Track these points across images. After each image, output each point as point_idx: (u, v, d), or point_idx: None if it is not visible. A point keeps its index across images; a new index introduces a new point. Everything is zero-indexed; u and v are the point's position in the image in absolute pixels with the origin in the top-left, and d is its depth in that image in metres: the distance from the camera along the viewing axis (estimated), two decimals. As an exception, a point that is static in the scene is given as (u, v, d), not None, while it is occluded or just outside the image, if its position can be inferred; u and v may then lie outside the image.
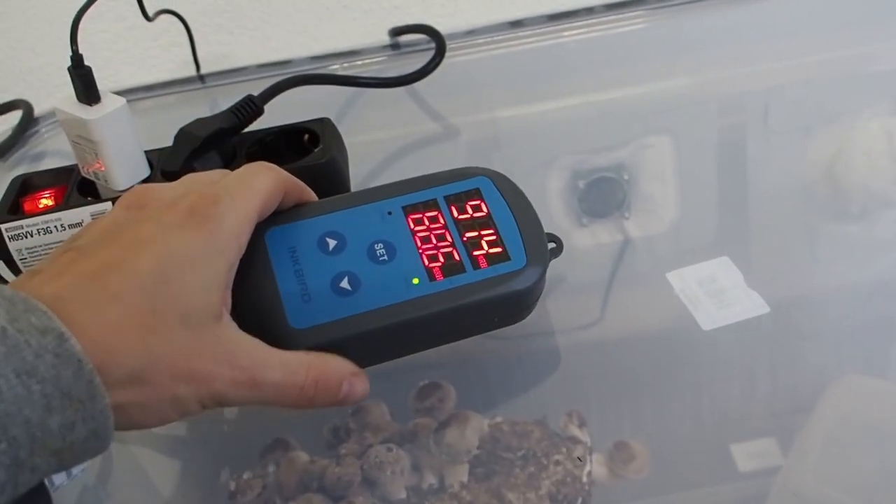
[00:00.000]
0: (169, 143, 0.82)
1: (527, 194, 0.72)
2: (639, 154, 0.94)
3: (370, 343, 0.65)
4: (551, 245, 0.75)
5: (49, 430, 0.47)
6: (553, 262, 0.74)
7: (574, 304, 0.78)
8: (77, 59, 0.76)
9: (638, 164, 0.93)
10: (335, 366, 0.62)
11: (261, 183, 0.64)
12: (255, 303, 0.64)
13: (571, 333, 0.76)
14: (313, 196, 0.70)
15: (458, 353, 0.72)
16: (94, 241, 0.57)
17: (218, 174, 0.65)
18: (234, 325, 0.59)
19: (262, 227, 0.67)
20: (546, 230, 0.70)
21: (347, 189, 0.83)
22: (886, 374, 0.71)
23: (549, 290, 0.76)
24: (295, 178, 0.68)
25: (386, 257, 0.67)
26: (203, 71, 1.12)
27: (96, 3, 0.75)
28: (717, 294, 0.74)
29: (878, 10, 1.11)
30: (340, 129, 0.86)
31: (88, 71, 0.76)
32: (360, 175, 0.88)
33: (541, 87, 1.08)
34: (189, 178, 0.65)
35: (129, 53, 1.14)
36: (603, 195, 0.90)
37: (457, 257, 0.67)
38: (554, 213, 0.88)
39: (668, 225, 0.86)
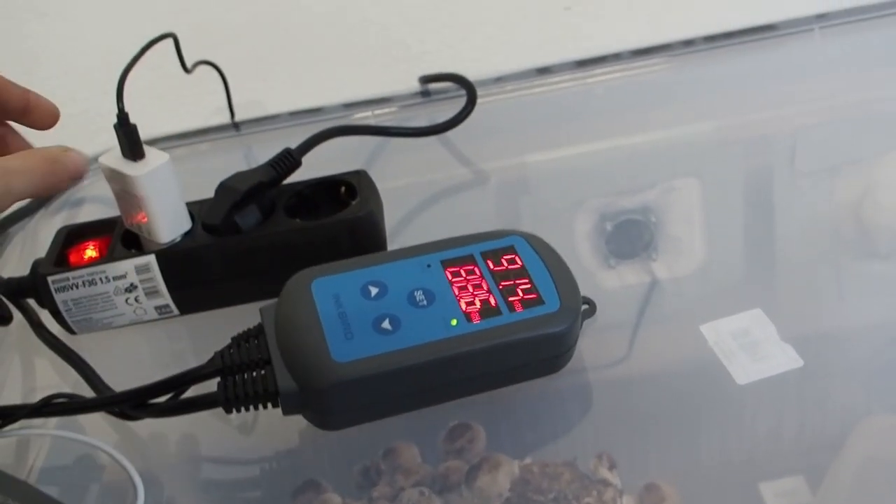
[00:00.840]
0: (204, 191, 0.83)
1: (556, 236, 0.75)
2: (665, 197, 0.94)
3: (410, 381, 0.66)
4: (585, 306, 0.76)
5: None
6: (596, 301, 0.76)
7: (603, 345, 0.77)
8: (123, 116, 0.76)
9: (665, 206, 0.93)
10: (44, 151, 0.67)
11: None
12: (300, 341, 0.67)
13: (600, 373, 0.76)
14: (45, 107, 0.75)
15: (488, 393, 0.71)
16: None
17: None
18: None
19: (306, 278, 0.71)
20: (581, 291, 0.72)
21: (384, 240, 0.84)
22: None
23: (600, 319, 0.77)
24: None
25: (425, 302, 0.69)
26: (237, 118, 1.13)
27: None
28: (751, 347, 0.74)
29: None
30: (372, 175, 0.87)
31: (134, 128, 0.77)
32: (391, 221, 0.87)
33: (569, 132, 1.08)
34: None
35: (164, 101, 1.15)
36: (630, 237, 0.90)
37: (493, 302, 0.69)
38: (581, 256, 0.88)
39: (695, 267, 0.86)
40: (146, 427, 0.75)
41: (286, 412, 0.68)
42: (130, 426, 0.75)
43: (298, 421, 0.70)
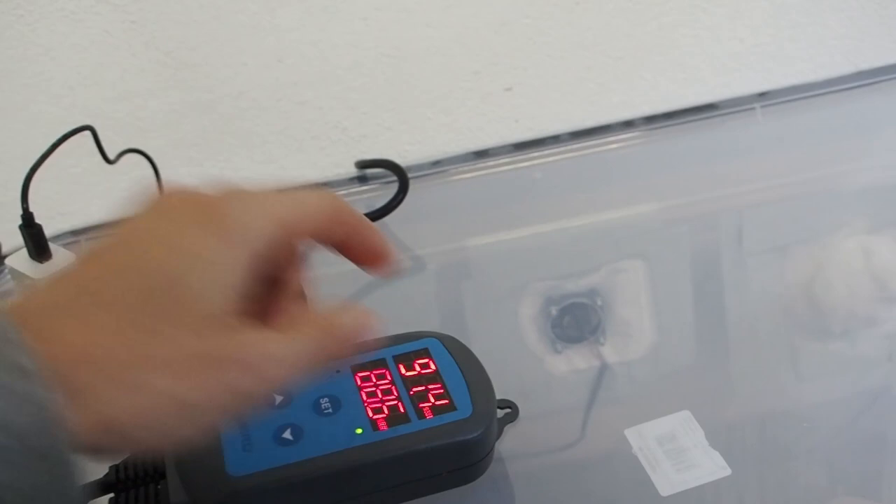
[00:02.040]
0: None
1: (500, 321, 0.76)
2: (611, 279, 0.92)
3: (310, 494, 0.63)
4: (507, 410, 0.74)
5: (13, 487, 0.40)
6: (530, 393, 0.75)
7: (529, 446, 0.75)
8: (28, 217, 0.75)
9: (611, 288, 0.91)
10: (341, 329, 0.52)
11: (305, 198, 0.54)
12: (195, 453, 0.63)
13: (521, 480, 0.73)
14: (373, 231, 0.58)
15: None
16: (115, 239, 0.50)
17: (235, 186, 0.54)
18: (246, 329, 0.49)
19: None
20: (497, 366, 0.71)
21: None
22: (880, 495, 0.68)
23: (525, 419, 0.75)
24: (353, 212, 0.57)
25: (331, 410, 0.66)
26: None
27: (65, 142, 0.76)
28: (676, 454, 0.71)
29: (848, 128, 1.10)
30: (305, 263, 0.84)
31: (39, 229, 0.75)
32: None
33: (509, 215, 1.06)
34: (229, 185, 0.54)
35: (99, 188, 1.13)
36: (577, 321, 0.88)
37: (402, 409, 0.66)
38: (528, 340, 0.86)
39: (645, 350, 0.84)
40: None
41: None
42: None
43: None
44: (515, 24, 1.08)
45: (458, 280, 0.98)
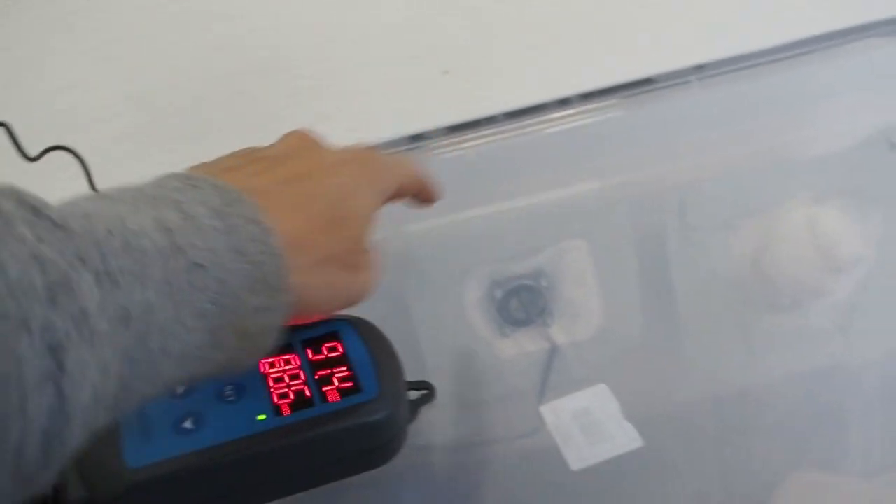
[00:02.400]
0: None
1: (445, 307, 0.78)
2: (555, 260, 0.91)
3: (211, 483, 0.63)
4: (424, 391, 0.74)
5: (247, 308, 0.52)
6: (479, 375, 0.77)
7: (510, 413, 0.76)
8: None
9: (556, 269, 0.90)
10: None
11: (406, 167, 0.72)
12: (93, 446, 0.58)
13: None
14: (438, 189, 0.76)
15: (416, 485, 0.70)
16: (280, 154, 0.64)
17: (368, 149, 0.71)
18: (372, 248, 0.64)
19: None
20: (446, 349, 0.75)
21: None
22: (840, 465, 0.68)
23: (478, 402, 0.76)
24: (432, 180, 0.75)
25: (234, 397, 0.65)
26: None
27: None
28: (590, 428, 0.72)
29: (788, 99, 1.09)
30: None
31: None
32: None
33: (446, 199, 1.04)
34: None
35: (31, 187, 1.11)
36: (523, 303, 0.87)
37: (307, 393, 0.65)
38: (475, 325, 0.85)
39: (593, 330, 0.83)
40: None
41: None
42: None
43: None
44: (456, 5, 1.07)
45: (400, 267, 0.97)
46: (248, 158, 0.64)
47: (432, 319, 0.86)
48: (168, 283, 0.48)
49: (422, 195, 0.74)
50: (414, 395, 0.72)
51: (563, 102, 1.12)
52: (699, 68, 1.11)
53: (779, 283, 0.85)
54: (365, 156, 0.67)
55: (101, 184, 0.97)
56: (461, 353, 0.79)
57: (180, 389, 0.65)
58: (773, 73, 1.11)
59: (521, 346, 0.83)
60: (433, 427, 0.75)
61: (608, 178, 1.03)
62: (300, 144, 0.66)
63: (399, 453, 0.67)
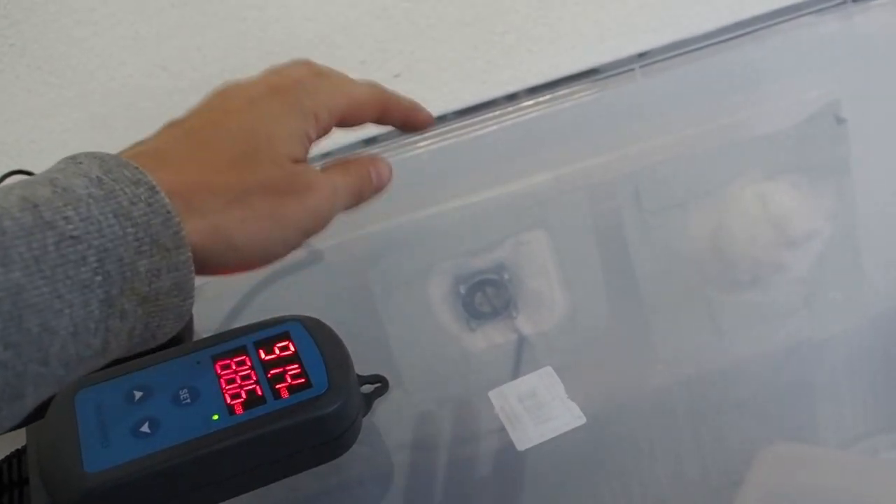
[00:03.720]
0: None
1: (410, 305, 0.79)
2: (515, 252, 0.91)
3: (169, 484, 0.63)
4: (377, 384, 0.74)
5: (138, 272, 0.51)
6: (446, 370, 0.78)
7: (477, 417, 0.75)
8: None
9: (516, 261, 0.90)
10: (356, 168, 0.68)
11: (351, 86, 0.68)
12: (53, 454, 0.63)
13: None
14: (422, 113, 0.74)
15: (373, 477, 0.71)
16: (189, 114, 0.63)
17: (311, 68, 0.69)
18: (311, 169, 0.63)
19: (71, 391, 0.67)
20: (413, 346, 0.76)
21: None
22: (813, 438, 0.68)
23: (447, 399, 0.76)
24: (400, 98, 0.72)
25: (189, 400, 0.66)
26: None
27: None
28: (535, 409, 0.72)
29: (732, 80, 1.10)
30: None
31: None
32: (225, 309, 0.87)
33: (402, 199, 1.04)
34: (280, 66, 0.69)
35: None
36: (487, 297, 0.87)
37: (259, 392, 0.66)
38: (441, 321, 0.85)
39: (559, 319, 0.83)
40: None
41: None
42: None
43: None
44: (395, 8, 1.06)
45: (362, 268, 0.96)
46: (165, 126, 0.63)
47: (398, 318, 0.85)
48: (36, 260, 0.47)
49: (397, 119, 0.72)
50: (368, 388, 0.72)
51: (511, 97, 1.12)
52: (642, 55, 1.11)
53: (737, 261, 0.85)
54: (289, 84, 0.65)
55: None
56: (430, 349, 0.78)
57: (137, 395, 0.66)
58: (716, 54, 1.11)
59: (489, 339, 0.82)
60: (407, 425, 0.74)
61: (561, 168, 1.03)
62: (209, 101, 0.65)
63: (353, 445, 0.68)
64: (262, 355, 0.69)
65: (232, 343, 0.70)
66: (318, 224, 0.62)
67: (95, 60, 1.04)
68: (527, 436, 0.70)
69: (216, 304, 0.86)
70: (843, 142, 0.97)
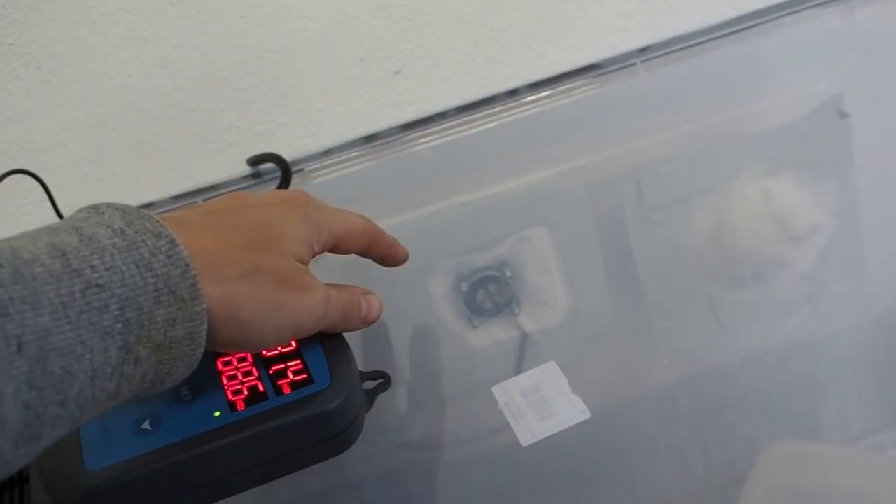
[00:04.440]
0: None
1: (411, 302, 0.80)
2: (517, 249, 0.90)
3: (171, 480, 0.62)
4: (379, 381, 0.74)
5: (155, 321, 0.52)
6: (449, 367, 0.78)
7: (481, 413, 0.74)
8: None
9: (518, 258, 0.89)
10: (349, 292, 0.71)
11: (349, 216, 0.75)
12: (53, 452, 0.61)
13: (487, 439, 0.72)
14: (401, 251, 0.80)
15: (377, 474, 0.70)
16: (207, 202, 0.68)
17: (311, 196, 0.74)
18: (311, 274, 0.66)
19: None
20: (415, 343, 0.77)
21: None
22: (818, 434, 0.67)
23: (450, 397, 0.76)
24: (384, 233, 0.78)
25: (190, 397, 0.65)
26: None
27: None
28: (539, 404, 0.72)
29: (735, 75, 1.09)
30: None
31: None
32: None
33: (405, 196, 1.04)
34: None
35: (4, 211, 1.10)
36: (489, 294, 0.86)
37: (261, 388, 0.66)
38: (443, 318, 0.84)
39: (562, 316, 0.82)
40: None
41: None
42: None
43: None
44: (393, 6, 1.06)
45: (365, 266, 0.96)
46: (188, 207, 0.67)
47: (401, 315, 0.85)
48: (64, 305, 0.48)
49: (379, 253, 0.78)
50: (370, 384, 0.72)
51: (513, 93, 1.11)
52: (643, 50, 1.10)
53: (739, 257, 0.84)
54: (302, 200, 0.70)
55: (63, 206, 0.95)
56: (433, 347, 0.78)
57: None
58: (718, 49, 1.10)
59: (492, 336, 0.82)
60: (411, 423, 0.74)
61: (563, 164, 1.02)
62: (235, 197, 0.69)
63: (355, 442, 0.68)
64: (264, 352, 0.68)
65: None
66: (308, 325, 0.65)
67: (94, 60, 1.04)
68: (531, 431, 0.69)
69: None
70: (847, 136, 0.96)
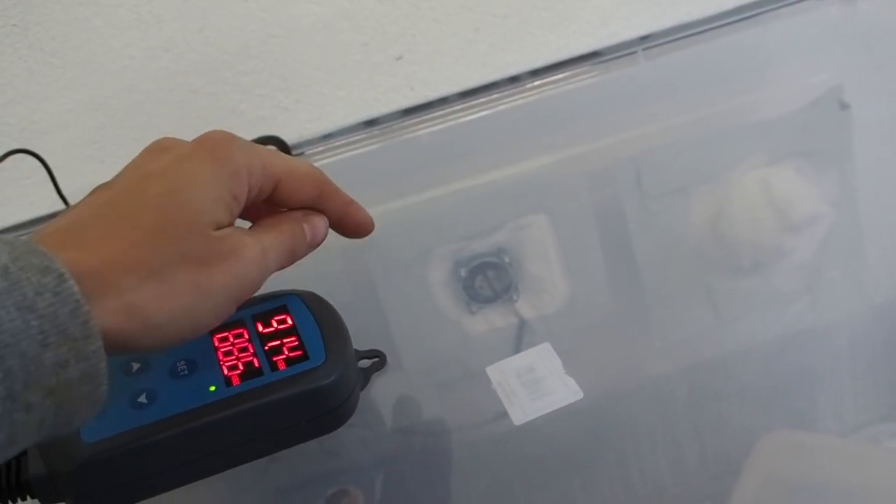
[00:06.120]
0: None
1: (409, 288, 0.80)
2: (516, 235, 0.89)
3: (166, 453, 0.63)
4: (374, 359, 0.74)
5: (43, 365, 0.48)
6: (450, 352, 0.77)
7: (476, 394, 0.74)
8: None
9: (517, 245, 0.88)
10: (288, 225, 0.64)
11: (290, 159, 0.66)
12: None
13: (481, 427, 0.72)
14: (361, 213, 0.70)
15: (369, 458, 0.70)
16: (116, 177, 0.60)
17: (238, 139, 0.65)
18: (236, 233, 0.60)
19: None
20: (413, 329, 0.76)
21: None
22: (814, 425, 0.66)
23: (446, 382, 0.76)
24: (339, 190, 0.68)
25: (186, 372, 0.66)
26: (74, 202, 1.06)
27: None
28: (532, 384, 0.71)
29: (735, 64, 1.08)
30: None
31: None
32: None
33: (406, 182, 1.03)
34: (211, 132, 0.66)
35: (4, 193, 1.09)
36: (488, 280, 0.85)
37: (256, 364, 0.66)
38: (441, 305, 0.84)
39: (560, 303, 0.81)
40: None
41: (45, 502, 0.63)
42: None
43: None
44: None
45: (362, 251, 0.95)
46: (93, 191, 0.61)
47: (398, 300, 0.84)
48: None
49: (333, 210, 0.68)
50: (365, 363, 0.72)
51: (513, 80, 1.11)
52: (644, 38, 1.10)
53: (737, 246, 0.83)
54: (219, 141, 0.62)
55: (65, 188, 0.94)
56: (430, 332, 0.77)
57: (135, 367, 0.66)
58: (719, 38, 1.10)
59: (490, 322, 0.81)
60: (405, 402, 0.74)
61: (563, 151, 1.01)
62: (140, 159, 0.62)
63: (349, 419, 0.67)
64: (260, 328, 0.68)
65: (229, 317, 0.68)
66: (249, 289, 0.61)
67: (97, 41, 1.03)
68: (524, 410, 0.69)
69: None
70: (847, 127, 0.95)
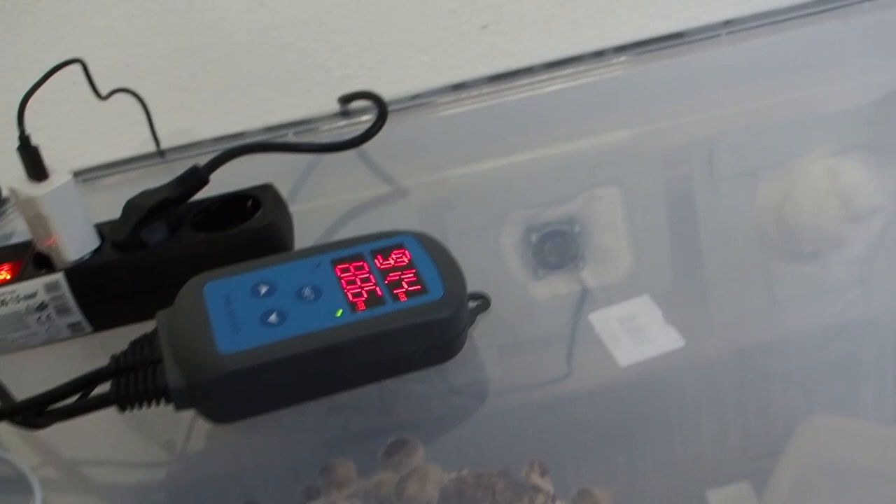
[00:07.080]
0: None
1: (482, 249, 0.82)
2: (588, 206, 0.90)
3: (295, 370, 0.65)
4: (479, 301, 0.77)
5: None
6: (513, 316, 0.77)
7: (536, 357, 0.75)
8: (25, 139, 0.75)
9: (588, 215, 0.89)
10: None
11: None
12: (187, 336, 0.66)
13: (538, 387, 0.73)
14: None
15: (428, 411, 0.71)
16: None
17: None
18: None
19: (200, 282, 0.70)
20: (482, 287, 0.76)
21: (289, 249, 0.83)
22: (857, 413, 0.66)
23: (511, 344, 0.76)
24: None
25: (313, 297, 0.68)
26: (164, 146, 1.08)
27: (59, 87, 0.76)
28: (635, 332, 0.73)
29: (813, 54, 1.08)
30: (291, 196, 0.87)
31: (35, 150, 0.76)
32: (310, 239, 0.87)
33: (487, 146, 1.04)
34: None
35: (95, 133, 1.11)
36: (556, 248, 0.86)
37: (379, 293, 0.68)
38: (510, 268, 0.85)
39: (623, 275, 0.82)
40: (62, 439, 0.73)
41: (178, 408, 0.66)
42: (37, 435, 0.72)
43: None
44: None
45: (441, 210, 0.96)
46: None
47: (471, 261, 0.85)
48: None
49: None
50: (471, 304, 0.74)
51: (598, 55, 1.11)
52: (728, 23, 1.10)
53: (800, 232, 0.83)
54: None
55: (160, 130, 0.96)
56: (496, 294, 0.78)
57: (263, 289, 0.69)
58: (799, 28, 1.09)
59: (553, 289, 0.82)
60: (465, 368, 0.74)
61: (639, 127, 1.02)
62: None
63: (460, 352, 0.71)
64: (380, 262, 0.71)
65: (349, 250, 0.73)
66: None
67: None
68: (628, 353, 0.71)
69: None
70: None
